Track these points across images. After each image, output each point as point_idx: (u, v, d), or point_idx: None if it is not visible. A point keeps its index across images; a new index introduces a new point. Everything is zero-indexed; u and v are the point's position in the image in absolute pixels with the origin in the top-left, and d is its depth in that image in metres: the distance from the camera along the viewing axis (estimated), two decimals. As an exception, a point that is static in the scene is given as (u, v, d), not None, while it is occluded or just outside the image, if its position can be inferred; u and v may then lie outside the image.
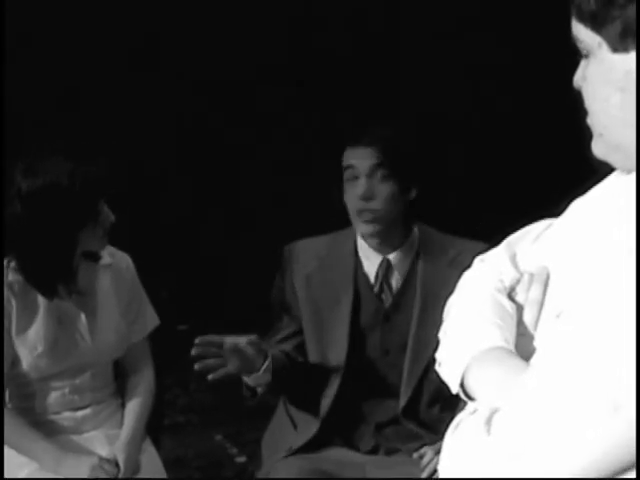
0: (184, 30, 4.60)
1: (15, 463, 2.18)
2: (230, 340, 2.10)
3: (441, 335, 1.33)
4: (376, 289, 2.31)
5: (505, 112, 5.10)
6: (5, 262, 2.18)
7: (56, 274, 2.19)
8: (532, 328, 1.19)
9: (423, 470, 2.19)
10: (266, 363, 2.16)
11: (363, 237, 2.31)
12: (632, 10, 1.03)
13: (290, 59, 4.78)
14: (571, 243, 1.14)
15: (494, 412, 1.01)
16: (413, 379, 2.27)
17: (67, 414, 2.28)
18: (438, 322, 2.23)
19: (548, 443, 0.94)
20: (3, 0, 3.67)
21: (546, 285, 1.20)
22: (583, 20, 1.09)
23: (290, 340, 2.37)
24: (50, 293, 2.19)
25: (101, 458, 2.19)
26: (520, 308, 1.22)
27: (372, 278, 2.31)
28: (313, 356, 2.34)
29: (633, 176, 1.08)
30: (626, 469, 0.93)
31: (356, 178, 2.24)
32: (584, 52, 1.11)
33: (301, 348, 2.36)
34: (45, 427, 2.24)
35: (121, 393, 2.41)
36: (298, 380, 2.34)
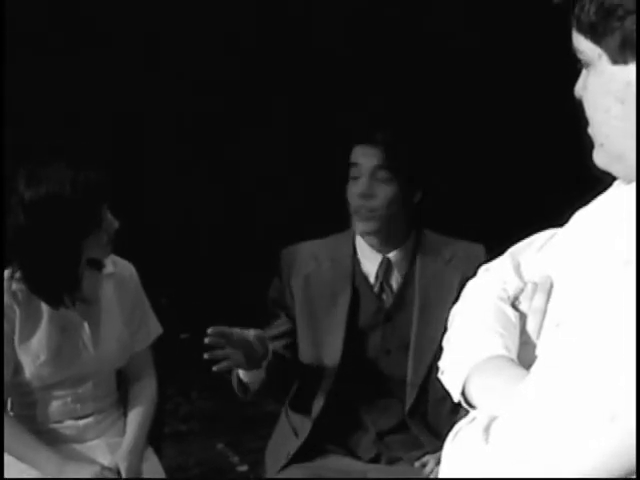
0: (184, 30, 4.61)
1: (15, 470, 2.18)
2: (238, 332, 2.11)
3: (444, 343, 1.33)
4: (376, 289, 2.32)
5: (511, 116, 5.10)
6: (8, 272, 2.18)
7: (61, 283, 2.18)
8: (535, 337, 1.20)
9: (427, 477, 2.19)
10: (267, 359, 2.17)
11: (361, 235, 2.32)
12: (631, 22, 1.03)
13: (296, 56, 4.78)
14: (573, 253, 1.14)
15: (492, 420, 1.01)
16: (418, 379, 2.27)
17: (69, 423, 2.28)
18: (438, 320, 2.26)
19: (546, 452, 0.94)
20: (3, 0, 3.68)
21: (549, 294, 1.20)
22: (583, 31, 1.10)
23: (281, 339, 2.36)
24: (55, 302, 2.19)
25: (103, 466, 2.19)
26: (524, 317, 1.22)
27: (372, 278, 2.33)
28: (306, 357, 2.34)
29: (634, 186, 1.08)
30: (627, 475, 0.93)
31: (358, 177, 2.26)
32: (584, 63, 1.12)
33: (291, 348, 2.35)
34: (47, 436, 2.24)
35: (123, 401, 2.40)
36: (290, 380, 2.36)
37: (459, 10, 4.91)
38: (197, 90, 4.74)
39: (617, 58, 1.07)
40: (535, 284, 1.23)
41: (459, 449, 1.03)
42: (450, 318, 1.37)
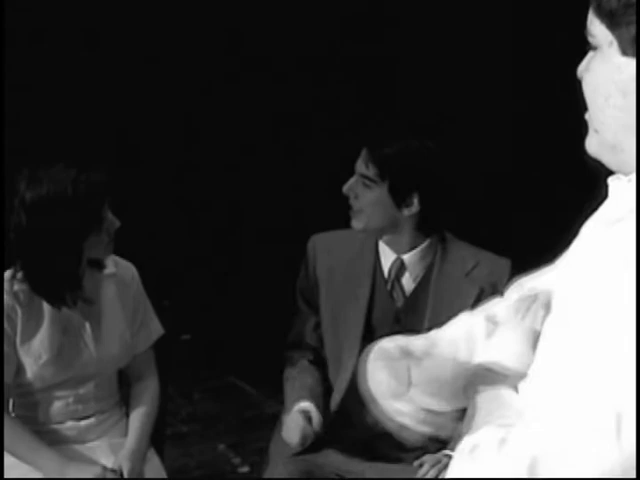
0: (188, 31, 4.61)
1: (17, 472, 2.19)
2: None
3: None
4: (389, 286, 2.35)
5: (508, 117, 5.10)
6: (9, 272, 2.18)
7: (63, 282, 2.19)
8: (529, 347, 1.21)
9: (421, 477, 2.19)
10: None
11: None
12: None
13: (304, 56, 4.77)
14: (582, 275, 1.12)
15: (508, 433, 1.03)
16: None
17: (71, 423, 2.28)
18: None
19: (563, 459, 0.97)
20: (3, 0, 3.68)
21: (549, 308, 1.21)
22: (600, 15, 1.09)
23: (316, 332, 2.43)
24: (57, 301, 2.19)
25: (104, 467, 2.20)
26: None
27: (386, 275, 2.36)
28: (330, 348, 2.38)
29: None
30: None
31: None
32: (594, 46, 1.11)
33: (321, 341, 2.43)
34: (49, 436, 2.25)
35: (125, 402, 2.41)
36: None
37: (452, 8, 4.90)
38: (201, 90, 4.74)
39: (627, 50, 1.07)
40: (535, 297, 1.24)
41: (478, 464, 1.05)
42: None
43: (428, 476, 2.19)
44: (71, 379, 2.25)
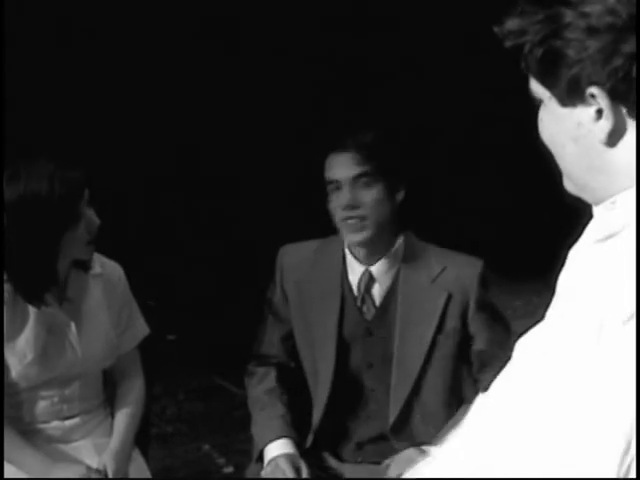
0: (182, 29, 4.61)
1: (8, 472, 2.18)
2: None
3: None
4: (358, 301, 2.27)
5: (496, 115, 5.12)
6: None
7: (41, 281, 2.17)
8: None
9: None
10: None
11: (350, 247, 2.26)
12: (577, 69, 1.06)
13: (289, 62, 4.78)
14: (570, 304, 1.11)
15: None
16: (402, 395, 2.24)
17: (55, 423, 2.27)
18: (420, 338, 2.24)
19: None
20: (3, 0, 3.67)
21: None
22: (532, 74, 1.13)
23: (284, 344, 2.36)
24: (37, 301, 2.18)
25: (89, 467, 2.19)
26: None
27: (355, 289, 2.27)
28: (306, 362, 2.33)
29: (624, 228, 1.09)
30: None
31: (339, 188, 2.18)
32: (538, 100, 1.14)
33: (293, 354, 2.36)
34: (33, 436, 2.24)
35: (110, 402, 2.40)
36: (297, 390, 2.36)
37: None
38: (194, 91, 4.74)
39: (565, 101, 1.10)
40: None
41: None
42: None
43: (392, 474, 2.16)
44: (56, 379, 2.24)
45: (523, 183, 5.76)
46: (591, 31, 1.04)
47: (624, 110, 1.06)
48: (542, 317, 1.14)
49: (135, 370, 2.41)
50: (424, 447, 2.21)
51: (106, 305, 2.32)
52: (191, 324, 4.63)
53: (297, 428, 2.27)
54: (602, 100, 1.05)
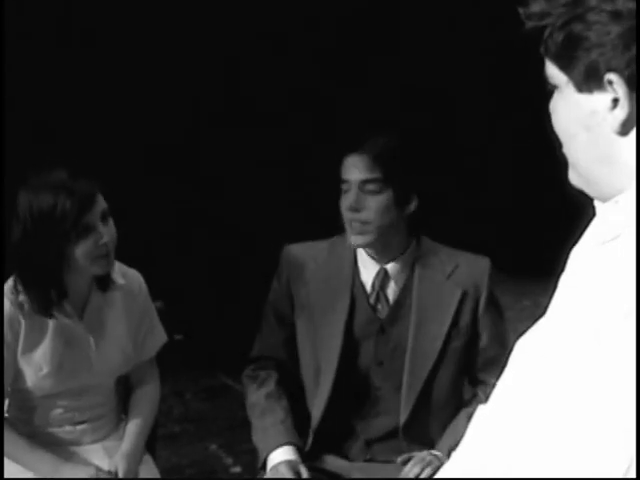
0: (183, 34, 4.61)
1: (12, 470, 2.18)
2: None
3: None
4: (372, 299, 2.28)
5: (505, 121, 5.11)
6: (11, 281, 2.16)
7: (46, 293, 2.14)
8: None
9: (404, 476, 2.19)
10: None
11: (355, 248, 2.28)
12: (596, 54, 1.06)
13: (293, 61, 4.78)
14: (572, 304, 1.11)
15: None
16: (413, 393, 2.25)
17: (67, 428, 2.28)
18: (434, 336, 2.26)
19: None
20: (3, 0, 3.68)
21: None
22: (551, 58, 1.12)
23: (285, 346, 2.36)
24: (45, 313, 2.16)
25: (99, 468, 2.19)
26: None
27: (368, 287, 2.28)
28: (307, 363, 2.33)
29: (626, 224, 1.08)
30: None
31: (348, 190, 2.20)
32: (553, 86, 1.14)
33: (292, 355, 2.36)
34: (43, 438, 2.24)
35: (123, 405, 2.40)
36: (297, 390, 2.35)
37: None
38: (194, 90, 4.74)
39: (582, 87, 1.09)
40: None
41: None
42: None
43: (411, 474, 2.17)
44: (71, 390, 2.23)
45: (529, 183, 5.75)
46: (615, 15, 1.04)
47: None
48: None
49: (152, 376, 2.41)
50: (434, 452, 2.22)
51: (125, 317, 2.30)
52: (198, 324, 4.63)
53: (298, 431, 2.28)
54: (619, 87, 1.05)
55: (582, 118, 1.10)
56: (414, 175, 2.23)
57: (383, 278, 2.27)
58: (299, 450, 2.23)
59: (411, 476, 2.17)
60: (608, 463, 0.96)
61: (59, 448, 2.25)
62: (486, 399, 2.23)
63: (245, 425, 2.37)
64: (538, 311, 1.18)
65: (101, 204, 2.11)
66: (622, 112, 1.06)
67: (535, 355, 1.09)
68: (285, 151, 4.83)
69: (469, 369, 2.33)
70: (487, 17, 4.94)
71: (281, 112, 4.80)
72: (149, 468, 2.34)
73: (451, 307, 2.25)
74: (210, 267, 4.83)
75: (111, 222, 2.15)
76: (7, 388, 2.18)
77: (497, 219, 5.70)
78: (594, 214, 1.17)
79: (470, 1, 5.09)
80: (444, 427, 2.28)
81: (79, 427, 2.29)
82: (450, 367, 2.28)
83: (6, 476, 2.15)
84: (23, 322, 2.16)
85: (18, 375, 2.18)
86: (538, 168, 5.13)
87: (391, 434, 2.29)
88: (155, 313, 2.40)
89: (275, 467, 2.19)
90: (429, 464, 2.18)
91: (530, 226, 5.80)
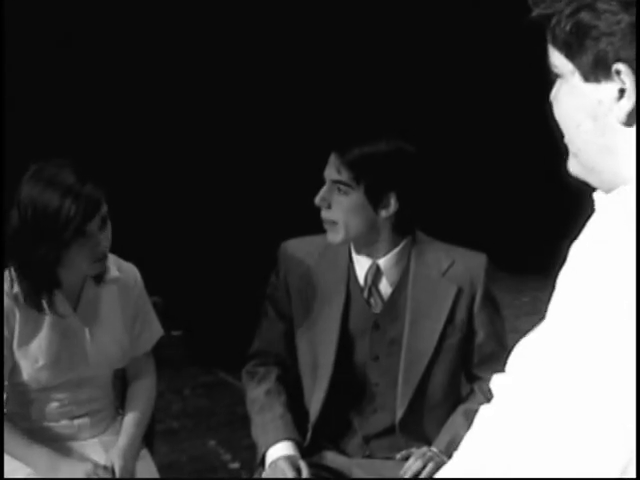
0: (181, 33, 4.61)
1: (9, 468, 2.18)
2: None
3: None
4: (365, 294, 2.28)
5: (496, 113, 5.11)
6: (7, 273, 2.15)
7: (37, 286, 2.13)
8: None
9: (405, 472, 2.18)
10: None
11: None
12: (605, 43, 1.05)
13: (285, 61, 4.78)
14: (575, 302, 1.11)
15: None
16: (409, 389, 2.25)
17: (64, 422, 2.27)
18: (430, 332, 2.26)
19: None
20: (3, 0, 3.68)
21: None
22: (557, 46, 1.12)
23: (284, 341, 2.36)
24: (35, 303, 2.14)
25: (96, 464, 2.19)
26: None
27: (362, 282, 2.28)
28: (304, 357, 2.32)
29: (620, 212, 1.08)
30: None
31: (323, 186, 2.21)
32: (558, 74, 1.14)
33: (290, 351, 2.36)
34: (41, 433, 2.24)
35: (120, 400, 2.40)
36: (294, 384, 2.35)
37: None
38: (194, 91, 4.74)
39: (589, 76, 1.09)
40: None
41: None
42: None
43: (414, 467, 2.18)
44: (67, 382, 2.23)
45: (528, 179, 5.75)
46: (626, 5, 1.03)
47: None
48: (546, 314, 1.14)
49: (147, 370, 2.41)
50: (433, 448, 2.22)
51: (121, 310, 2.30)
52: (197, 320, 4.63)
53: (297, 427, 2.27)
54: (627, 77, 1.05)
55: (588, 107, 1.10)
56: (389, 177, 2.18)
57: (375, 273, 2.27)
58: (298, 446, 2.23)
59: (413, 470, 2.17)
60: (608, 463, 0.96)
61: (57, 444, 2.24)
62: (483, 395, 2.24)
63: (244, 421, 2.37)
64: (537, 308, 1.18)
65: (103, 209, 2.10)
66: (629, 102, 1.06)
67: (536, 357, 1.09)
68: (284, 147, 4.83)
69: (466, 365, 2.33)
70: (487, 15, 4.94)
71: (278, 111, 4.80)
72: (146, 463, 2.34)
73: (447, 303, 2.24)
74: (209, 263, 4.83)
75: (109, 226, 2.13)
76: (5, 382, 2.18)
77: (495, 216, 5.70)
78: (593, 210, 1.16)
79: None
80: (441, 423, 2.28)
81: (76, 422, 2.28)
82: (446, 364, 2.27)
83: (4, 472, 2.15)
84: (18, 314, 2.15)
85: (14, 368, 2.17)
86: (536, 164, 5.15)
87: (389, 430, 2.29)
88: (151, 307, 2.40)
89: (274, 462, 2.18)
90: (430, 459, 2.18)
91: (528, 223, 5.80)
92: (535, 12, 1.10)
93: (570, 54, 1.10)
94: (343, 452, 2.32)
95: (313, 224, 2.39)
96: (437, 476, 1.25)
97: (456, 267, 2.27)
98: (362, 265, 2.28)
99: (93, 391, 2.30)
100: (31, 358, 2.17)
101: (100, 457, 2.25)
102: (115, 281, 2.28)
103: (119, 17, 4.46)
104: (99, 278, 2.24)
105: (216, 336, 4.46)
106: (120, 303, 2.30)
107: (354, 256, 2.30)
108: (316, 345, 2.30)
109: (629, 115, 1.07)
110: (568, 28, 1.08)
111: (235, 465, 3.66)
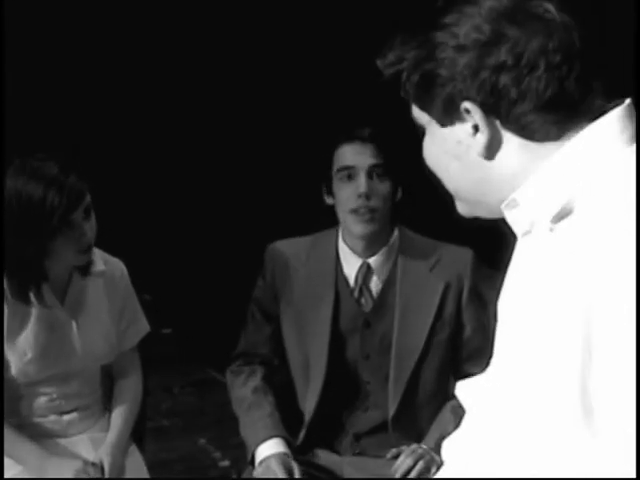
0: (179, 31, 4.61)
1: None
2: None
3: None
4: (355, 293, 2.29)
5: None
6: None
7: (24, 279, 2.13)
8: None
9: (396, 470, 2.18)
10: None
11: (348, 239, 2.27)
12: (450, 87, 1.10)
13: (280, 55, 4.78)
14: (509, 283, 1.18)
15: None
16: (400, 386, 2.26)
17: (53, 417, 2.27)
18: (420, 327, 2.26)
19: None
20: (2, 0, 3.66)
21: None
22: (412, 100, 1.16)
23: (271, 342, 2.37)
24: (21, 299, 2.15)
25: (85, 461, 2.19)
26: None
27: (352, 282, 2.28)
28: (295, 359, 2.33)
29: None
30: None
31: (351, 177, 2.18)
32: (422, 128, 1.18)
33: (278, 352, 2.36)
34: (30, 430, 2.24)
35: (108, 397, 2.40)
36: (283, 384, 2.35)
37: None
38: (189, 90, 4.74)
39: (444, 121, 1.13)
40: None
41: None
42: None
43: (404, 466, 2.18)
44: (55, 376, 2.23)
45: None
46: (459, 48, 1.08)
47: (497, 122, 1.09)
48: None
49: (134, 366, 2.41)
50: (423, 445, 2.22)
51: (107, 303, 2.30)
52: (186, 318, 4.63)
53: (287, 426, 2.27)
54: (476, 114, 1.09)
55: (450, 150, 1.14)
56: (407, 165, 2.19)
57: (366, 272, 2.28)
58: (288, 443, 2.23)
59: (404, 467, 2.17)
60: (608, 464, 0.97)
61: (46, 440, 2.24)
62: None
63: (233, 419, 2.37)
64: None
65: (87, 200, 2.11)
66: (483, 136, 1.10)
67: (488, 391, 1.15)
68: (273, 147, 4.83)
69: (454, 361, 2.33)
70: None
71: (267, 113, 4.80)
72: (135, 459, 2.34)
73: (435, 299, 2.25)
74: (199, 261, 4.83)
75: (93, 217, 2.14)
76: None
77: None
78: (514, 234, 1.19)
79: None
80: (432, 419, 2.28)
81: (65, 417, 2.28)
82: (436, 360, 2.28)
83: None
84: (5, 308, 2.15)
85: (3, 363, 2.17)
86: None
87: (380, 427, 2.30)
88: (137, 302, 2.40)
89: (265, 462, 2.17)
90: (421, 457, 2.18)
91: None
92: (386, 73, 1.15)
93: (423, 105, 1.15)
94: (334, 450, 2.32)
95: (302, 224, 2.40)
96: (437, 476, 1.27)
97: (443, 262, 2.27)
98: (351, 265, 2.28)
99: (81, 385, 2.29)
100: (19, 351, 2.17)
101: (89, 454, 2.25)
102: (101, 274, 2.28)
103: (118, 16, 4.45)
104: (85, 271, 2.24)
105: (206, 334, 4.46)
106: (107, 296, 2.30)
107: (342, 256, 2.30)
108: (307, 346, 2.29)
109: (487, 148, 1.11)
110: (415, 81, 1.13)
111: (225, 463, 3.66)
